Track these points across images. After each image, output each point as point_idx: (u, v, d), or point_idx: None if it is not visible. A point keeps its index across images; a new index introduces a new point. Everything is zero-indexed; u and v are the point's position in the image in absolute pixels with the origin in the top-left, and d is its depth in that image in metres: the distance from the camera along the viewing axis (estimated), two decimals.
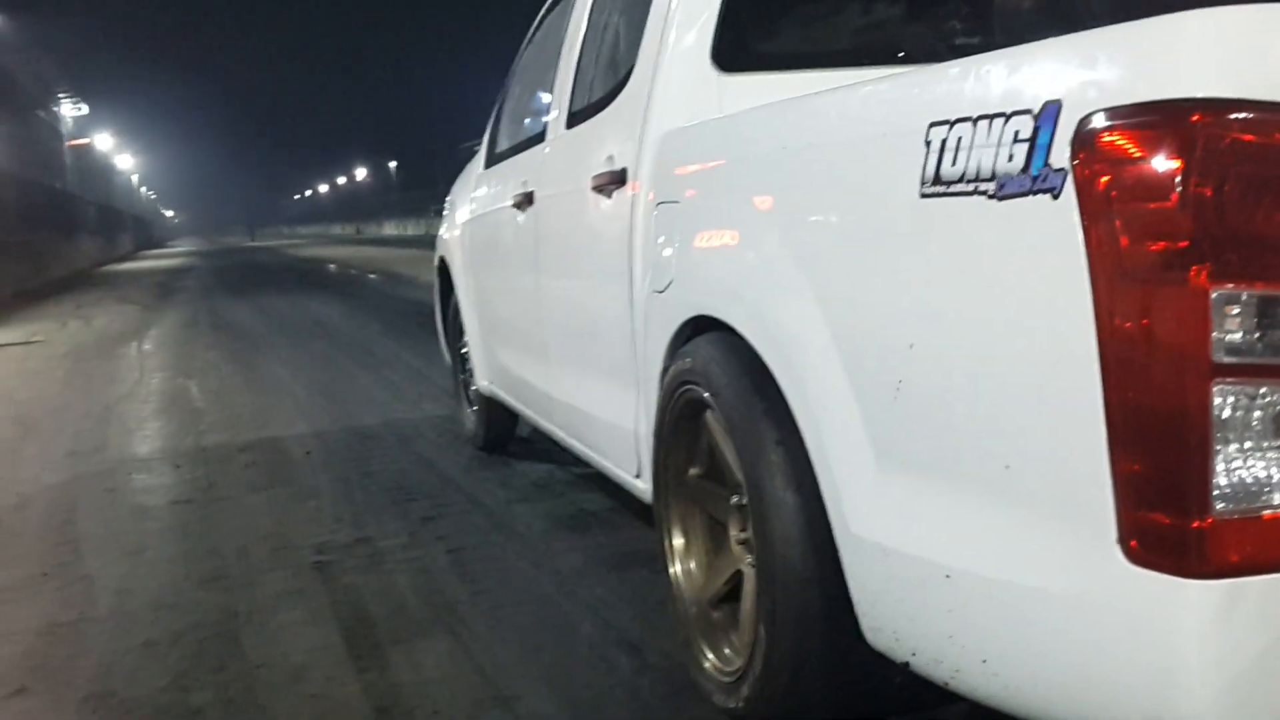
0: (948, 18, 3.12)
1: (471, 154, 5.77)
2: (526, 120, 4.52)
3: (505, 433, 5.61)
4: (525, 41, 4.98)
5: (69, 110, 53.62)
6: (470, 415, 5.81)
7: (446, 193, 6.24)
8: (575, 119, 3.69)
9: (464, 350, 5.68)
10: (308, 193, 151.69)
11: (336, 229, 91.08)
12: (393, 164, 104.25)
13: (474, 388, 5.52)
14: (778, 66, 2.91)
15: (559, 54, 3.97)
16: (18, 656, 3.39)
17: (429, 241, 6.74)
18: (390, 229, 74.16)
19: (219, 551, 4.34)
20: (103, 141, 67.63)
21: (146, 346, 12.29)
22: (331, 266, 31.59)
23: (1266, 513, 1.39)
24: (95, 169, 64.96)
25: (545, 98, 4.15)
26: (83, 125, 59.36)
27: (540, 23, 4.70)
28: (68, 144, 53.15)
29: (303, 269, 31.38)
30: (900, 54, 2.94)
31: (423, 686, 2.96)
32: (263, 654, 3.27)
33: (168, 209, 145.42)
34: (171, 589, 3.94)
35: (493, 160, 5.08)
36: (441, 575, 3.89)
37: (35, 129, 46.79)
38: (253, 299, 18.71)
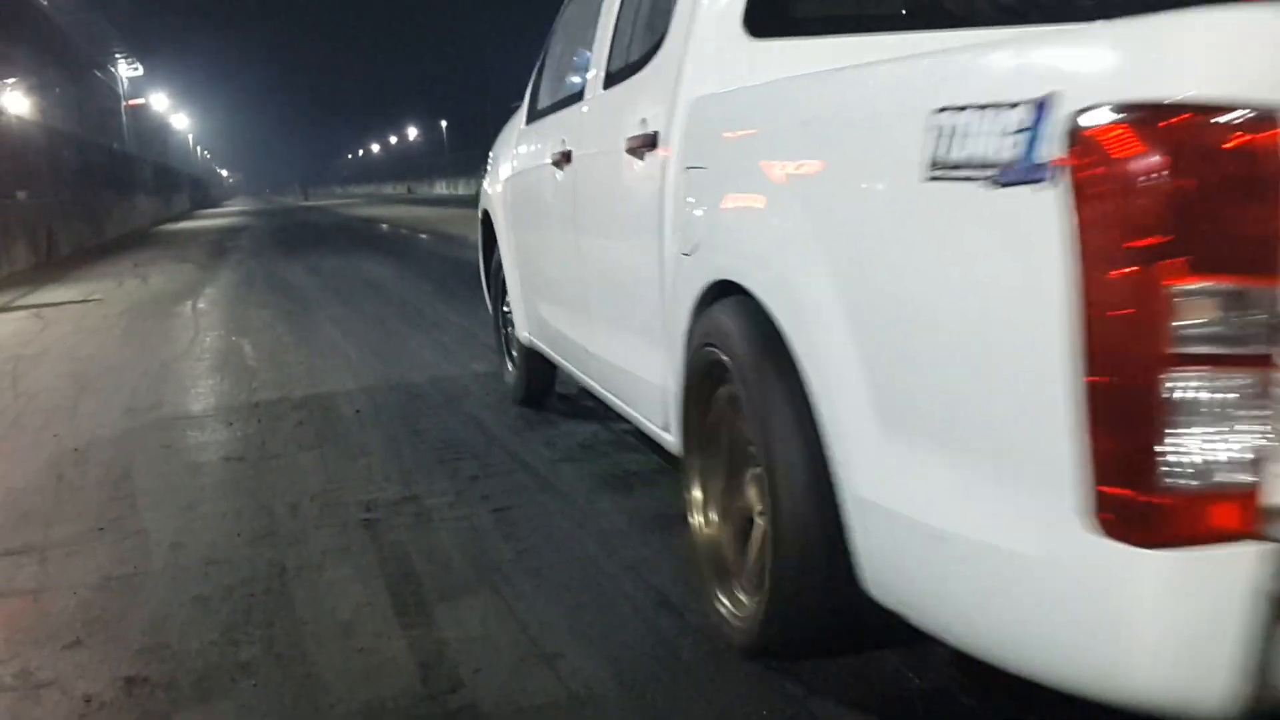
0: None
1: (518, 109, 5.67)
2: (567, 78, 4.53)
3: (545, 386, 5.68)
4: None
5: (125, 70, 54.16)
6: (511, 368, 5.92)
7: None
8: (612, 80, 3.69)
9: (506, 305, 5.78)
10: (360, 152, 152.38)
11: (388, 189, 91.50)
12: (444, 124, 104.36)
13: (516, 340, 5.64)
14: (810, 32, 2.90)
15: (598, 13, 3.97)
16: (73, 609, 3.47)
17: (478, 201, 6.87)
18: (441, 189, 74.40)
19: (269, 508, 4.41)
20: (159, 102, 68.28)
21: (201, 305, 12.44)
22: (383, 226, 31.77)
23: (1217, 490, 1.48)
24: (152, 129, 65.62)
25: (584, 56, 4.11)
26: (139, 85, 59.95)
27: None
28: (125, 104, 53.72)
29: (355, 228, 31.57)
30: (938, 17, 2.94)
31: (466, 644, 3.00)
32: (311, 610, 3.33)
33: (223, 169, 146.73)
34: (224, 544, 4.01)
35: (534, 117, 5.09)
36: (487, 534, 3.93)
37: (93, 89, 47.30)
38: (305, 258, 18.87)
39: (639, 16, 3.53)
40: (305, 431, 5.75)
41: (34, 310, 12.74)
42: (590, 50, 3.99)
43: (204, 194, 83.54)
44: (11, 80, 32.25)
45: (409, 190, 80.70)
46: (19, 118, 25.74)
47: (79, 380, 7.83)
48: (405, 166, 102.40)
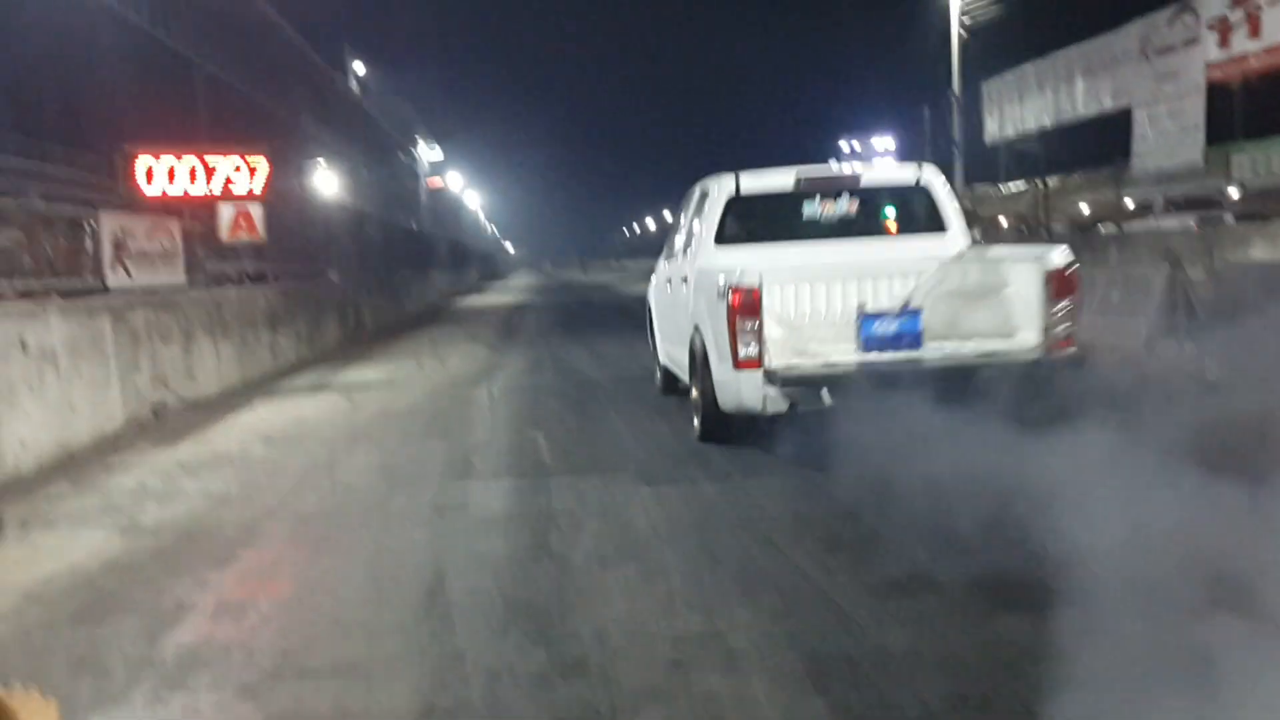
0: (822, 217, 9.32)
1: None
2: (668, 244, 11.12)
3: (671, 385, 10.97)
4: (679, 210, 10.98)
5: (425, 153, 57.77)
6: (659, 377, 11.62)
7: None
8: (682, 252, 10.02)
9: (653, 345, 11.85)
10: (635, 226, 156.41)
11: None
12: None
13: (657, 361, 11.65)
14: (734, 242, 9.11)
15: (681, 221, 10.49)
16: None
17: None
18: None
19: (577, 634, 4.46)
20: (454, 180, 72.40)
21: (495, 391, 12.93)
22: None
23: (752, 359, 7.55)
24: (446, 206, 69.61)
25: (675, 237, 10.74)
26: (436, 165, 63.75)
27: (681, 206, 10.77)
28: (424, 183, 57.25)
29: (632, 310, 32.30)
30: (789, 235, 9.26)
31: None
32: None
33: (508, 241, 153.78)
34: (536, 674, 4.07)
35: (667, 255, 11.07)
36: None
37: (396, 170, 50.63)
38: (588, 342, 19.39)
39: (691, 229, 9.78)
40: (604, 545, 5.82)
41: (344, 392, 13.56)
42: (679, 235, 10.47)
43: (491, 268, 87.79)
44: (325, 161, 34.91)
45: None
46: (333, 201, 27.78)
47: (389, 472, 8.25)
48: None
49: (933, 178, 9.31)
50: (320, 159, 31.46)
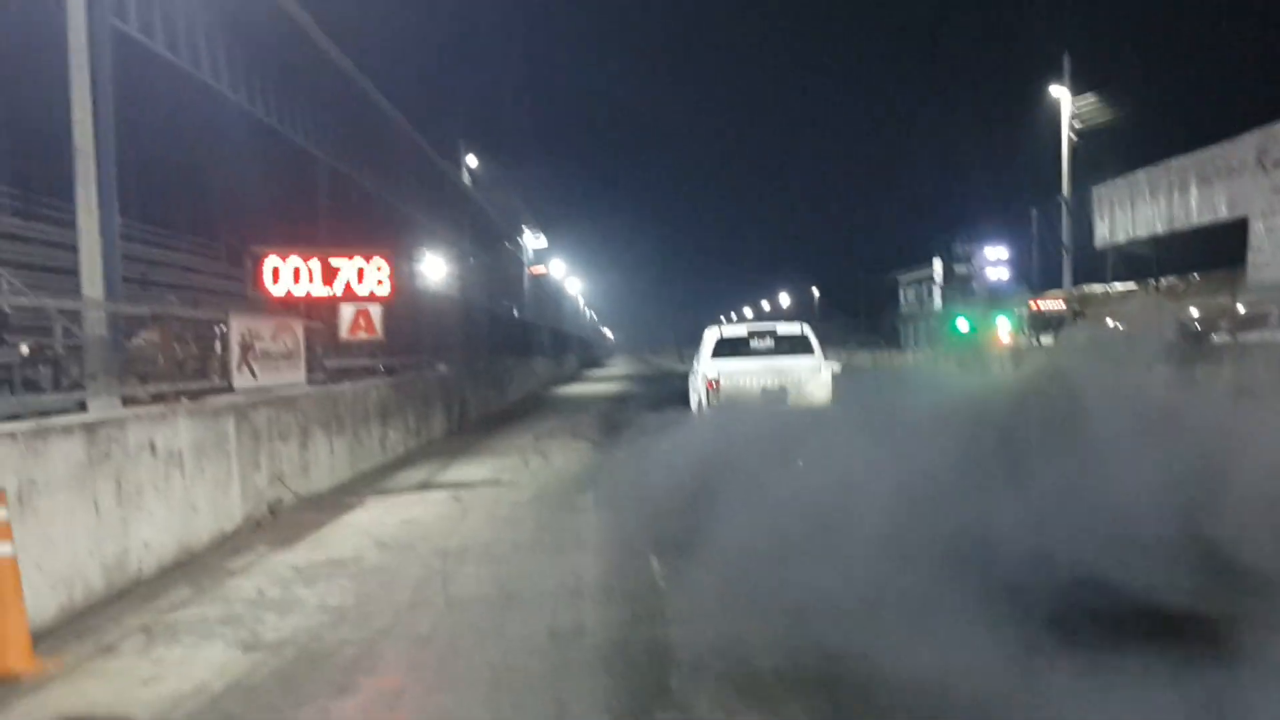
0: (756, 347, 20.44)
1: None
2: (698, 353, 21.36)
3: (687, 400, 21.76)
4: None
5: (530, 241, 58.75)
6: (694, 406, 20.19)
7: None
8: (698, 359, 21.39)
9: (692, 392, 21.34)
10: (732, 315, 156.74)
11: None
12: (815, 290, 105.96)
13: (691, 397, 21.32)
14: (717, 356, 20.00)
15: (701, 345, 21.33)
16: None
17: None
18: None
19: None
20: (556, 267, 73.40)
21: (603, 496, 12.88)
22: None
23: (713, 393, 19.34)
24: (548, 293, 70.52)
25: (700, 350, 21.22)
26: (540, 253, 64.73)
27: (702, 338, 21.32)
28: (528, 271, 58.13)
29: None
30: (750, 352, 20.24)
31: None
32: None
33: (606, 327, 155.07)
34: None
35: (696, 359, 21.47)
36: None
37: (502, 258, 51.49)
38: (691, 439, 19.28)
39: (701, 349, 20.98)
40: (725, 690, 5.72)
41: (452, 491, 13.66)
42: (700, 349, 21.18)
43: (590, 355, 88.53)
44: (436, 252, 35.62)
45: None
46: (442, 292, 28.29)
47: (502, 588, 8.24)
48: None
49: (808, 331, 20.51)
50: (432, 250, 32.15)
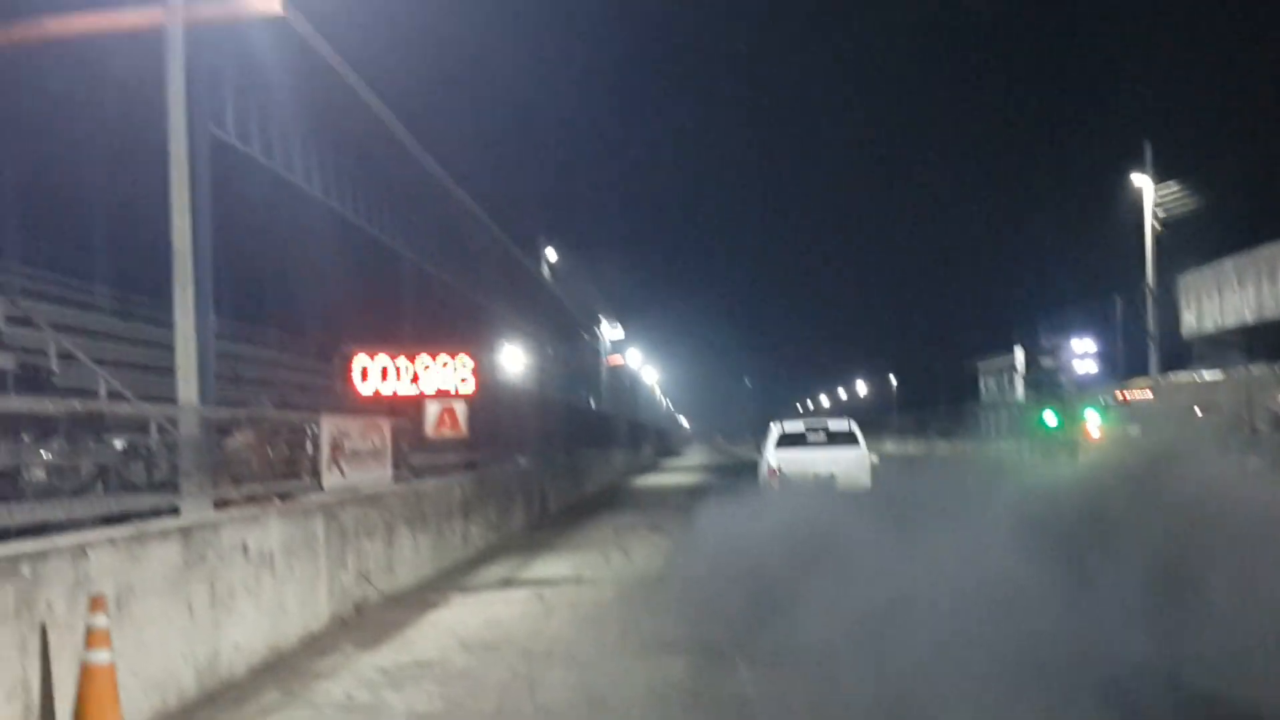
0: (812, 439, 24.80)
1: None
2: (764, 444, 25.88)
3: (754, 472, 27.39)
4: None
5: (608, 331, 59.16)
6: (764, 481, 24.12)
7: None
8: (765, 448, 25.79)
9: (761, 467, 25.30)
10: (809, 403, 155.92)
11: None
12: (893, 378, 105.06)
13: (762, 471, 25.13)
14: (780, 447, 24.27)
15: (767, 437, 26.03)
16: None
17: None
18: (889, 446, 74.16)
19: None
20: (632, 356, 73.75)
21: (686, 594, 12.73)
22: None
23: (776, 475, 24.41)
24: (625, 382, 70.79)
25: (766, 442, 25.63)
26: (616, 343, 65.12)
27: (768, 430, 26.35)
28: (604, 361, 58.47)
29: None
30: (806, 444, 24.70)
31: None
32: None
33: (682, 416, 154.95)
34: None
35: (762, 449, 25.98)
36: None
37: (580, 349, 51.87)
38: (766, 532, 19.05)
39: (768, 440, 25.24)
40: None
41: (535, 589, 13.63)
42: (766, 441, 25.71)
43: (666, 444, 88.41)
44: (516, 345, 36.02)
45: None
46: (522, 385, 28.52)
47: (589, 695, 8.17)
48: (855, 419, 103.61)
49: (854, 426, 24.77)
50: (511, 342, 32.50)
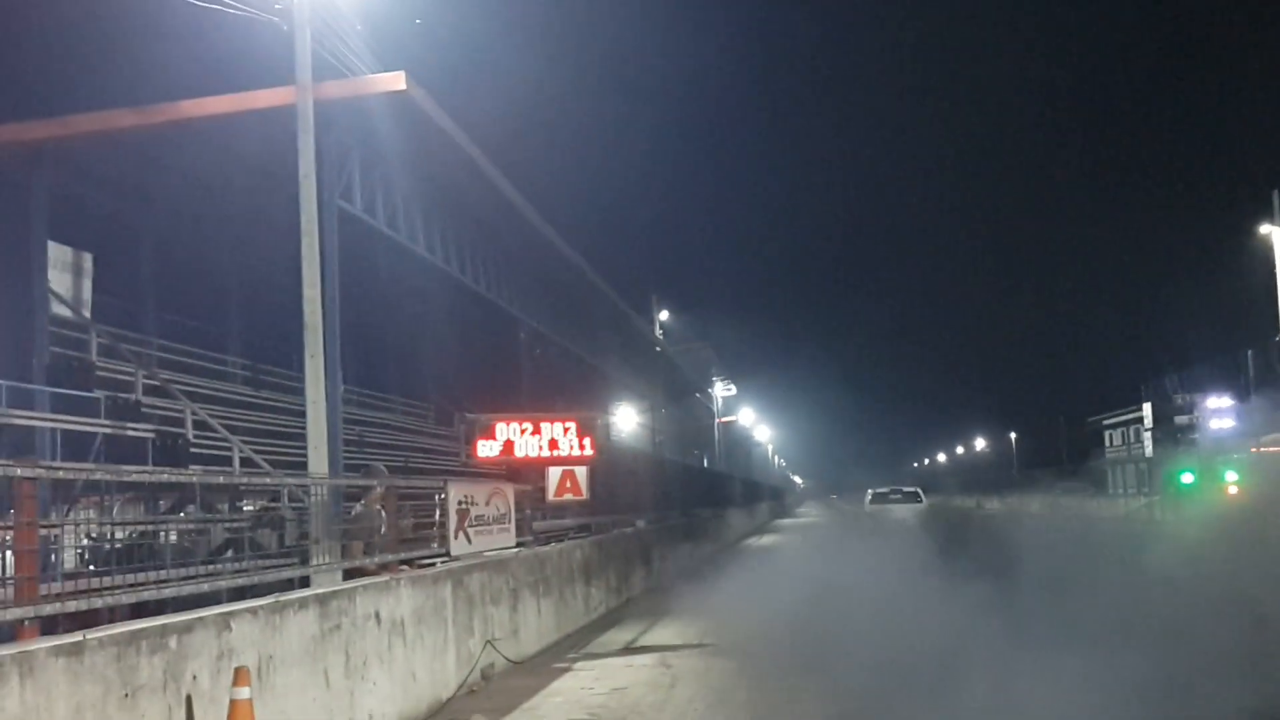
0: (893, 499, 45.25)
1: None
2: (864, 499, 47.07)
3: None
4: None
5: (721, 391, 59.04)
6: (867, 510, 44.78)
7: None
8: (864, 501, 47.44)
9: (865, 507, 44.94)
10: (925, 460, 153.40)
11: (955, 500, 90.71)
12: (1013, 436, 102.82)
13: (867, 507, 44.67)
14: (873, 503, 45.03)
15: (866, 497, 47.20)
16: None
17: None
18: (1000, 504, 72.34)
19: None
20: (745, 416, 73.40)
21: (811, 659, 12.42)
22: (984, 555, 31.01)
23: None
24: (738, 442, 70.45)
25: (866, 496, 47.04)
26: (729, 402, 64.90)
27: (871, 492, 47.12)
28: (718, 421, 58.28)
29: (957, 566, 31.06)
30: (887, 503, 45.07)
31: None
32: None
33: (796, 475, 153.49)
34: None
35: (871, 501, 45.40)
36: None
37: (693, 410, 51.81)
38: (887, 604, 18.61)
39: (866, 497, 46.79)
40: None
41: (659, 655, 13.50)
42: (866, 495, 46.85)
43: (780, 504, 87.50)
44: (632, 408, 36.16)
45: (978, 504, 79.42)
46: (638, 448, 28.53)
47: None
48: (971, 477, 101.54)
49: (919, 489, 45.93)
50: (627, 404, 32.60)
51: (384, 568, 10.12)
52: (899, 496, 43.57)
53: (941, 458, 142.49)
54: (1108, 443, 67.59)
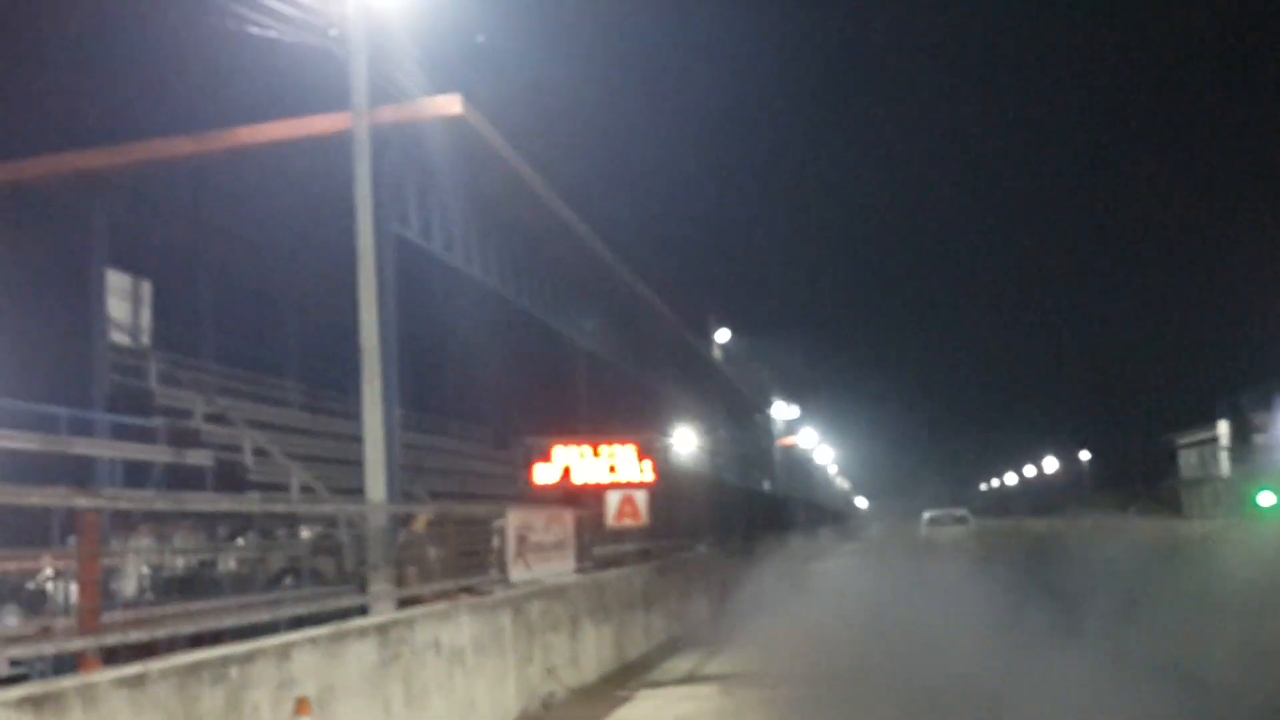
0: (944, 518, 51.44)
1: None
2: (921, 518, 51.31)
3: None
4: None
5: (782, 412, 58.55)
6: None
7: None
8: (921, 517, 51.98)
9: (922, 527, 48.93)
10: (993, 482, 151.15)
11: (1008, 521, 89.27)
12: (1084, 455, 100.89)
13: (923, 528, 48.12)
14: (929, 526, 49.56)
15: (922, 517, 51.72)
16: None
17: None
18: (1058, 524, 70.97)
19: None
20: (806, 437, 72.76)
21: (880, 690, 12.12)
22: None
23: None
24: (799, 464, 69.84)
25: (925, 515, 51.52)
26: (790, 423, 64.36)
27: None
28: (778, 443, 57.80)
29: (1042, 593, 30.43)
30: (940, 526, 50.11)
31: None
32: None
33: (859, 497, 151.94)
34: None
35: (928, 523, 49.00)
36: None
37: (752, 432, 51.44)
38: (944, 628, 18.16)
39: (922, 518, 51.74)
40: None
41: (722, 685, 13.20)
42: (925, 514, 51.57)
43: (841, 526, 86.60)
44: (690, 430, 35.86)
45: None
46: (697, 472, 28.25)
47: None
48: (1041, 500, 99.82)
49: (968, 513, 51.38)
50: (685, 427, 32.35)
51: (442, 595, 9.95)
52: (950, 520, 49.30)
53: (1012, 479, 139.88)
54: (1182, 462, 66.09)
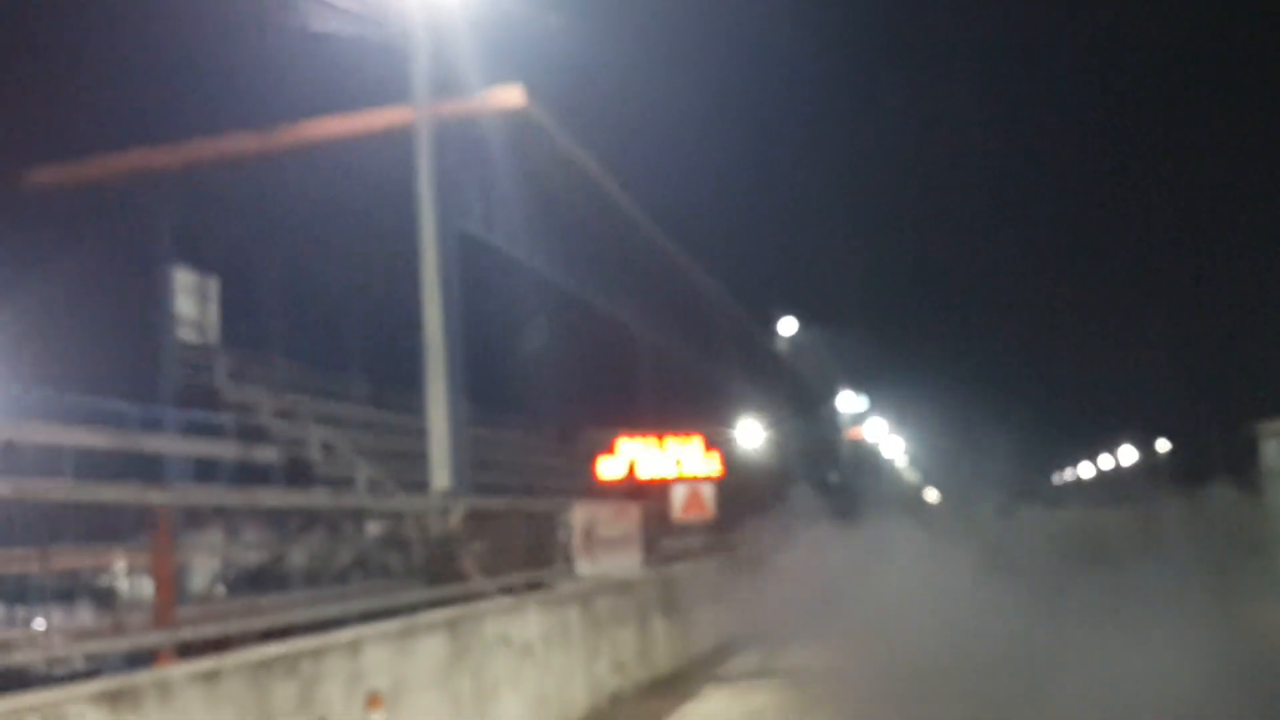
0: None
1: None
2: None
3: None
4: None
5: (850, 404, 57.95)
6: None
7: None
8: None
9: None
10: (1067, 474, 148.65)
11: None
12: (1163, 443, 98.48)
13: None
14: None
15: None
16: None
17: None
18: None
19: None
20: (873, 428, 71.97)
21: (954, 689, 11.87)
22: None
23: None
24: (866, 457, 69.17)
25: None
26: (857, 415, 63.71)
27: None
28: (845, 435, 57.26)
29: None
30: None
31: None
32: None
33: (930, 488, 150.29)
34: None
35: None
36: None
37: (819, 423, 51.06)
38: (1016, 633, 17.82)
39: None
40: None
41: (792, 679, 13.05)
42: None
43: (911, 519, 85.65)
44: (755, 422, 35.63)
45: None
46: (764, 464, 28.05)
47: None
48: (1115, 493, 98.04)
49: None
50: (751, 420, 32.14)
51: (509, 590, 9.88)
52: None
53: (1087, 469, 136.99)
54: (1263, 452, 64.26)
